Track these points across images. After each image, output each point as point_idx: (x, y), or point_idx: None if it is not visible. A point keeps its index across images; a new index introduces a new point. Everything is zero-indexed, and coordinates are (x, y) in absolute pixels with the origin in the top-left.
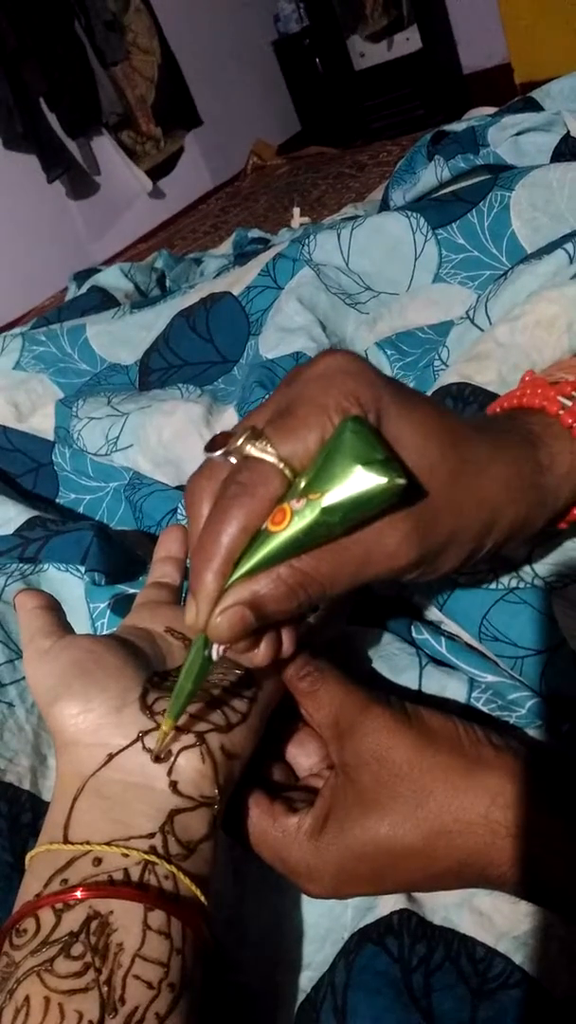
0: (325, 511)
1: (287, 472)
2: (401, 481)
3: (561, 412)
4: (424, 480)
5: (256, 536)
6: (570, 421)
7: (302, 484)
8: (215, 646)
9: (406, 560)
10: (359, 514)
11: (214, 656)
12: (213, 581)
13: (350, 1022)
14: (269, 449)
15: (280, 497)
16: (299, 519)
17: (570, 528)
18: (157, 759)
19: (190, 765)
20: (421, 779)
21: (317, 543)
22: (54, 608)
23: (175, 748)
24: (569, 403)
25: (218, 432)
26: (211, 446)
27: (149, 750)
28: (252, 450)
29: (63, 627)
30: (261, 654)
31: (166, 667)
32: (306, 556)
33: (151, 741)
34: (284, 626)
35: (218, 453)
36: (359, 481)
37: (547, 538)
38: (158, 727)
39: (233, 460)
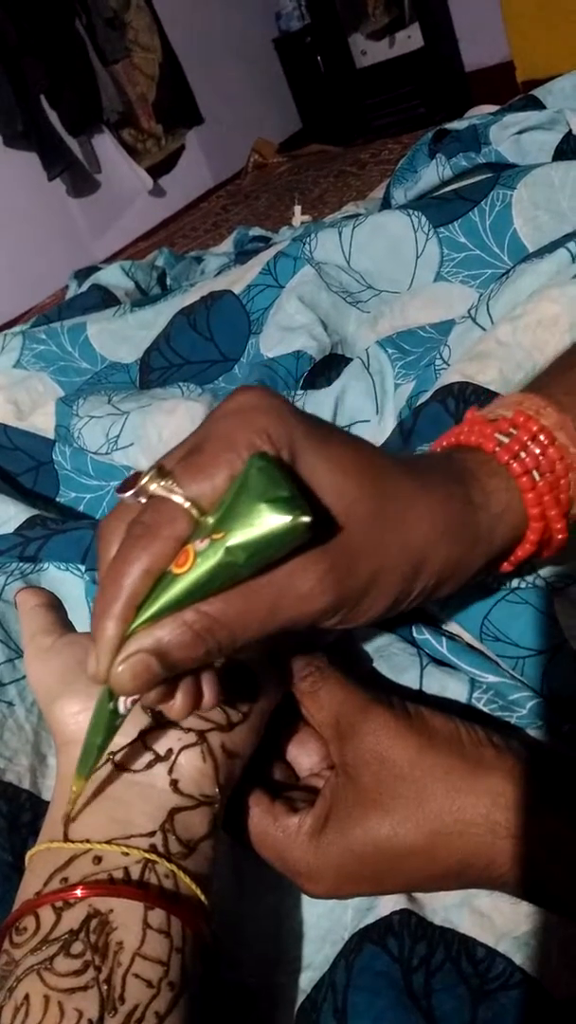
0: (229, 551)
1: (194, 511)
2: (306, 519)
3: (497, 449)
4: (341, 519)
5: (161, 579)
6: (507, 458)
7: (210, 523)
8: (122, 699)
9: (321, 604)
10: (266, 554)
11: (121, 709)
12: (113, 628)
13: (350, 1022)
14: (175, 488)
15: (186, 538)
16: (203, 560)
17: (516, 569)
18: (67, 824)
19: (191, 764)
20: (422, 779)
21: (224, 586)
22: (55, 606)
23: (176, 747)
24: (506, 440)
25: None
26: (123, 487)
27: (150, 748)
28: (158, 489)
29: (64, 625)
30: (177, 706)
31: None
32: (214, 600)
33: (152, 739)
34: (203, 673)
35: (128, 494)
36: (263, 520)
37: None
38: (159, 725)
39: (143, 500)
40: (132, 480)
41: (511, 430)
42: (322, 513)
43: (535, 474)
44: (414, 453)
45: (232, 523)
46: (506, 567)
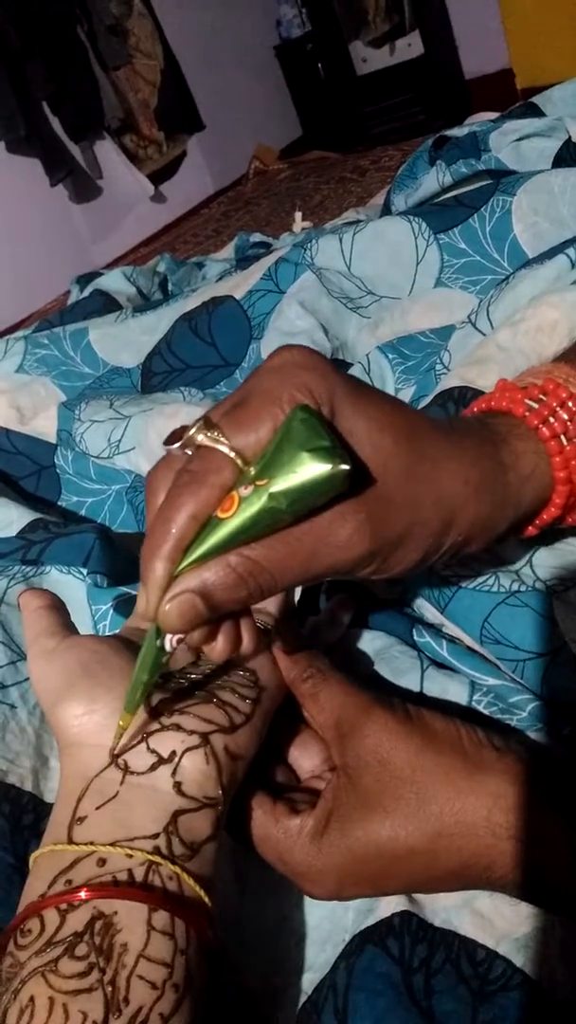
0: (272, 497)
1: (238, 461)
2: (346, 467)
3: (527, 414)
4: (378, 473)
5: (206, 524)
6: (536, 422)
7: (253, 473)
8: (168, 636)
9: (358, 552)
10: (307, 501)
11: (167, 647)
12: (162, 568)
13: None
14: (220, 439)
15: (231, 486)
16: (247, 506)
17: (541, 534)
18: (115, 757)
19: (194, 766)
20: (423, 781)
21: (266, 531)
22: (59, 608)
23: (179, 749)
24: (536, 405)
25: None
26: (170, 439)
27: (153, 751)
28: (204, 440)
29: (67, 627)
30: (219, 648)
31: (169, 669)
32: (256, 545)
33: (155, 742)
34: (243, 619)
35: (175, 445)
36: (305, 467)
37: (522, 544)
38: (162, 728)
39: (189, 452)
40: (179, 432)
41: (541, 396)
42: (360, 466)
43: (563, 439)
44: (448, 417)
45: (275, 471)
46: (531, 531)
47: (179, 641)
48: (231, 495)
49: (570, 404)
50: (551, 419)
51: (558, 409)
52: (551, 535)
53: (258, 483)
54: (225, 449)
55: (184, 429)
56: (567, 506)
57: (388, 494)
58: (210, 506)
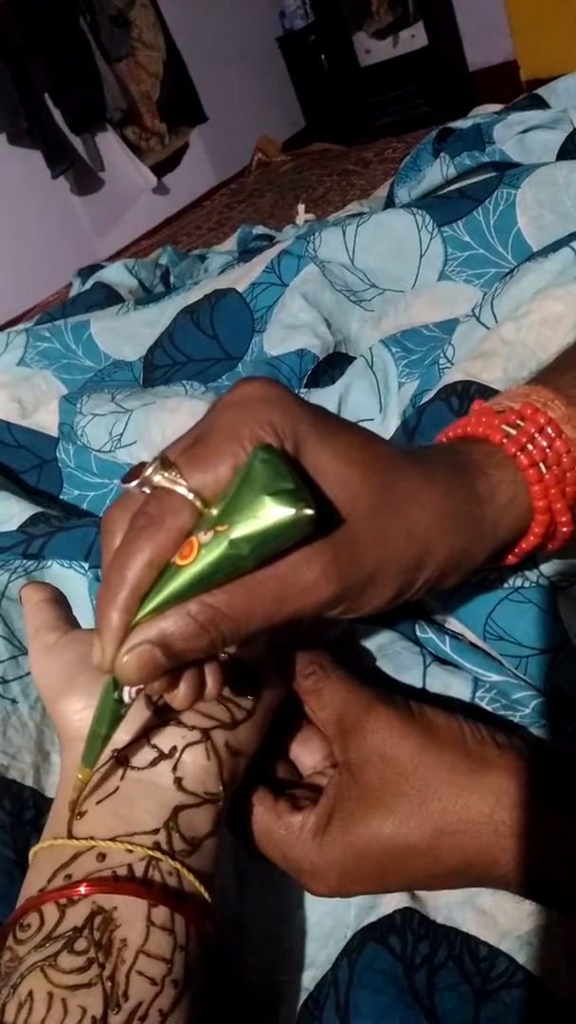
0: (233, 543)
1: (197, 503)
2: (310, 512)
3: (505, 441)
4: (345, 510)
5: (165, 571)
6: (514, 450)
7: (214, 515)
8: (127, 688)
9: (325, 595)
10: (270, 546)
11: (126, 698)
12: (118, 619)
13: (353, 1021)
14: (179, 479)
15: (190, 529)
16: (207, 552)
17: (519, 566)
18: (72, 810)
19: (195, 761)
20: (425, 778)
21: (228, 577)
22: (60, 602)
23: (180, 744)
24: (513, 432)
25: None
26: (127, 477)
27: (154, 746)
28: (162, 480)
29: (69, 621)
30: (180, 696)
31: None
32: (218, 591)
33: (156, 737)
34: (206, 663)
35: (132, 484)
36: (267, 512)
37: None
38: (163, 723)
39: (147, 491)
40: (136, 470)
41: (518, 422)
42: (325, 504)
43: (542, 467)
44: (419, 445)
45: (236, 515)
46: (511, 559)
47: (138, 692)
48: (190, 540)
49: (548, 430)
50: (529, 446)
51: (536, 435)
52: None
53: (218, 528)
54: (183, 490)
55: (142, 467)
56: (546, 534)
57: (356, 532)
58: (168, 552)
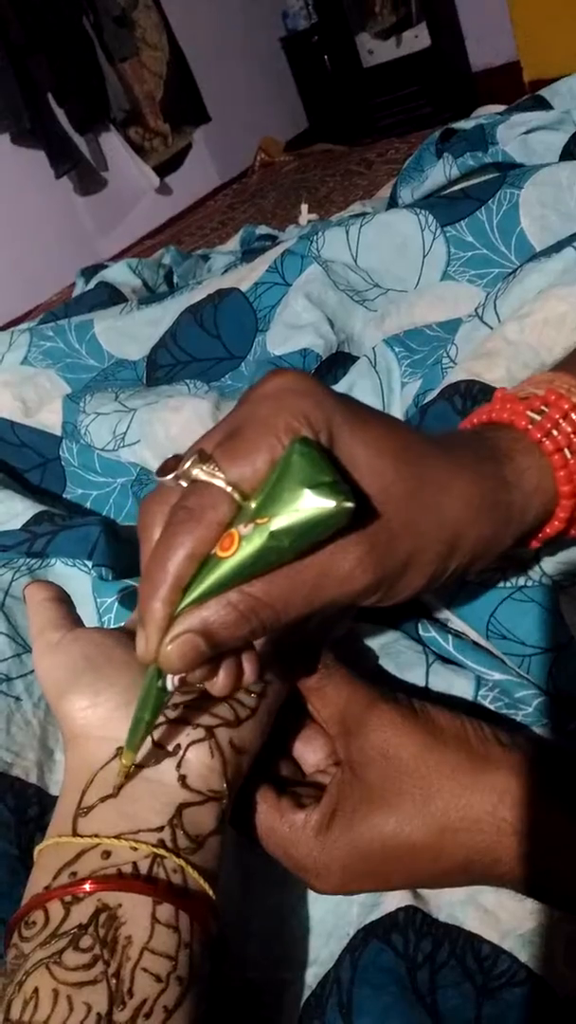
0: (273, 536)
1: (236, 496)
2: (349, 504)
3: (530, 427)
4: (379, 501)
5: (205, 562)
6: (539, 435)
7: (252, 507)
8: (169, 676)
9: (361, 584)
10: (309, 538)
11: (169, 686)
12: (161, 609)
13: (355, 1018)
14: (217, 473)
15: (229, 521)
16: (247, 544)
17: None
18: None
19: (199, 759)
20: (428, 776)
21: (267, 568)
22: (64, 600)
23: (184, 742)
24: (538, 418)
25: None
26: (162, 470)
27: (158, 744)
28: (200, 474)
29: (72, 620)
30: (220, 683)
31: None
32: (257, 581)
33: (160, 735)
34: (244, 652)
35: (169, 477)
36: (307, 505)
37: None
38: (168, 721)
39: (184, 484)
40: (171, 464)
41: (543, 408)
42: (360, 495)
43: (567, 452)
44: (445, 431)
45: (275, 508)
46: (534, 544)
47: (180, 680)
48: (230, 532)
49: (573, 416)
50: (554, 432)
51: (561, 421)
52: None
53: (258, 520)
54: (222, 483)
55: (176, 460)
56: (571, 519)
57: (390, 522)
58: (208, 544)
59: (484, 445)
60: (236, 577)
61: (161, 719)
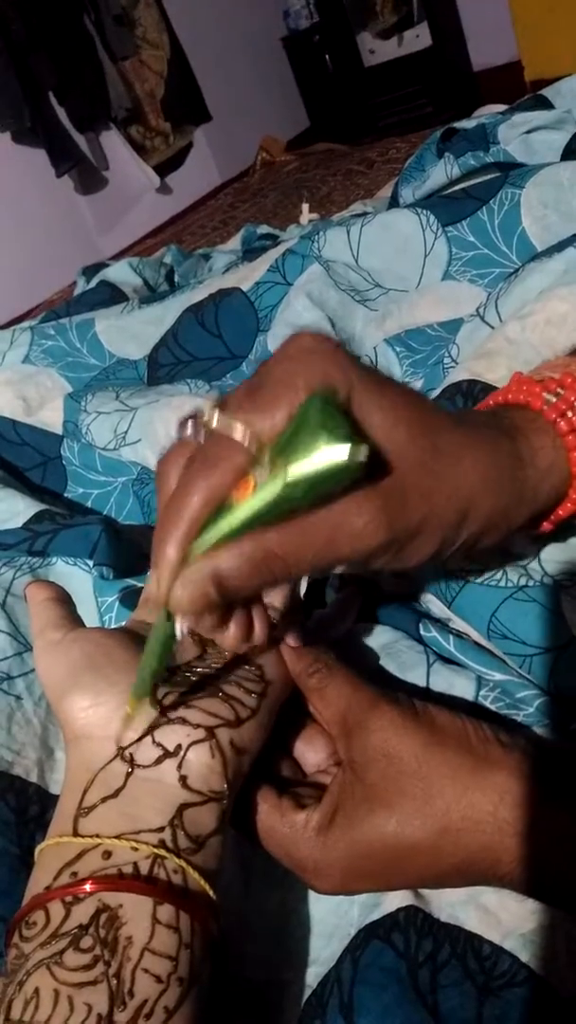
0: (288, 484)
1: (252, 447)
2: (363, 456)
3: (545, 407)
4: (394, 462)
5: (220, 510)
6: (554, 416)
7: (267, 458)
8: (179, 623)
9: (374, 541)
10: (323, 488)
11: (178, 633)
12: (174, 552)
13: (357, 1018)
14: (236, 423)
15: (245, 471)
16: (262, 491)
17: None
18: (122, 750)
19: (199, 760)
20: (429, 776)
21: (281, 517)
22: (65, 600)
23: (185, 743)
24: (554, 399)
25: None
26: (181, 426)
27: (159, 744)
28: (219, 425)
29: (73, 620)
30: (231, 635)
31: (175, 662)
32: (271, 532)
33: (161, 735)
34: (255, 608)
35: (189, 430)
36: (322, 454)
37: (535, 541)
38: (168, 721)
39: (202, 438)
40: (191, 417)
41: (558, 390)
42: (376, 455)
43: None
44: (463, 410)
45: (291, 456)
46: (546, 527)
47: (189, 629)
48: (245, 480)
49: None
50: (568, 413)
51: None
52: (562, 530)
53: (274, 469)
54: (240, 434)
55: (197, 415)
56: None
57: (403, 485)
58: (224, 490)
59: (501, 423)
60: (250, 524)
61: (162, 719)
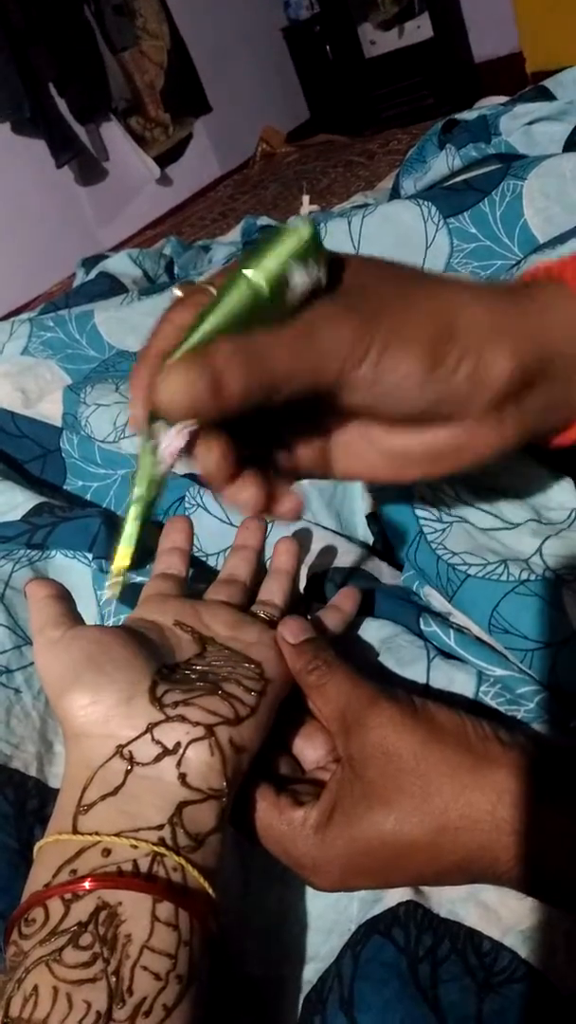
0: (247, 279)
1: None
2: (309, 230)
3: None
4: (366, 288)
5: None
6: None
7: None
8: (163, 445)
9: (346, 342)
10: (286, 279)
11: (163, 456)
12: (147, 372)
13: (357, 1013)
14: (204, 286)
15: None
16: (225, 291)
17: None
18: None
19: (199, 757)
20: (427, 774)
21: (255, 321)
22: (64, 598)
23: (184, 740)
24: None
25: None
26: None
27: (158, 742)
28: (200, 280)
29: (73, 617)
30: (247, 495)
31: (175, 660)
32: (260, 335)
33: (160, 733)
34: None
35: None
36: (281, 240)
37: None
38: (167, 719)
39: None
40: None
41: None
42: (340, 269)
43: None
44: None
45: (251, 261)
46: (561, 441)
47: (173, 455)
48: (208, 290)
49: None
50: None
51: None
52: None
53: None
54: (207, 289)
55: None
56: None
57: (376, 305)
58: (191, 313)
59: (521, 291)
60: (223, 327)
61: (161, 717)
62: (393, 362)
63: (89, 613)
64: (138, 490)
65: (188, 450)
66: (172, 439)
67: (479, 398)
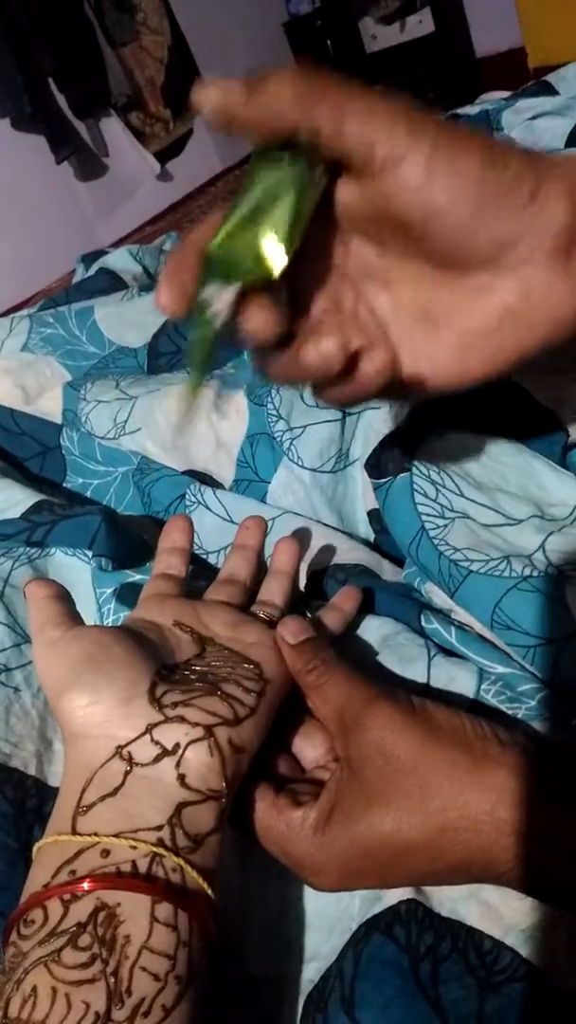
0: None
1: None
2: None
3: None
4: None
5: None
6: None
7: None
8: (216, 300)
9: (408, 134)
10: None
11: (219, 307)
12: (193, 244)
13: (358, 1011)
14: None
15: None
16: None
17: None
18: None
19: (198, 758)
20: (426, 774)
21: (288, 189)
22: (64, 598)
23: (183, 741)
24: None
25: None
26: None
27: (157, 743)
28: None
29: (73, 617)
30: (258, 316)
31: (175, 660)
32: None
33: (159, 733)
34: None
35: None
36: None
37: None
38: (166, 720)
39: None
40: None
41: None
42: None
43: None
44: None
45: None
46: None
47: (223, 323)
48: None
49: None
50: None
51: None
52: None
53: None
54: None
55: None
56: None
57: None
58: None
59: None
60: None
61: (160, 718)
62: (449, 154)
63: (89, 611)
64: (196, 356)
65: (236, 313)
66: (223, 295)
67: (542, 231)
